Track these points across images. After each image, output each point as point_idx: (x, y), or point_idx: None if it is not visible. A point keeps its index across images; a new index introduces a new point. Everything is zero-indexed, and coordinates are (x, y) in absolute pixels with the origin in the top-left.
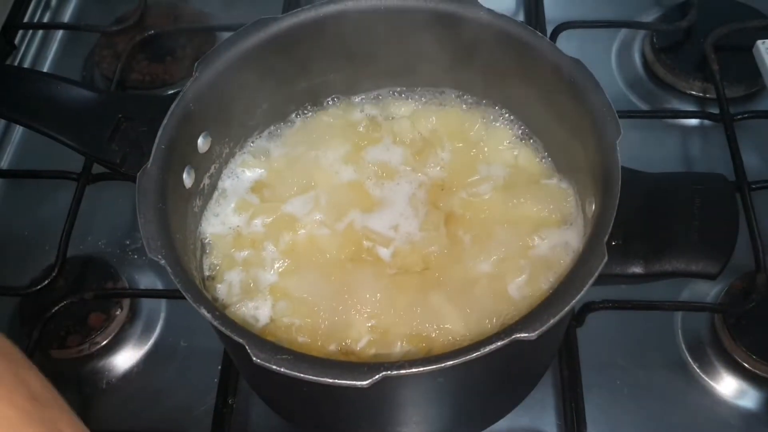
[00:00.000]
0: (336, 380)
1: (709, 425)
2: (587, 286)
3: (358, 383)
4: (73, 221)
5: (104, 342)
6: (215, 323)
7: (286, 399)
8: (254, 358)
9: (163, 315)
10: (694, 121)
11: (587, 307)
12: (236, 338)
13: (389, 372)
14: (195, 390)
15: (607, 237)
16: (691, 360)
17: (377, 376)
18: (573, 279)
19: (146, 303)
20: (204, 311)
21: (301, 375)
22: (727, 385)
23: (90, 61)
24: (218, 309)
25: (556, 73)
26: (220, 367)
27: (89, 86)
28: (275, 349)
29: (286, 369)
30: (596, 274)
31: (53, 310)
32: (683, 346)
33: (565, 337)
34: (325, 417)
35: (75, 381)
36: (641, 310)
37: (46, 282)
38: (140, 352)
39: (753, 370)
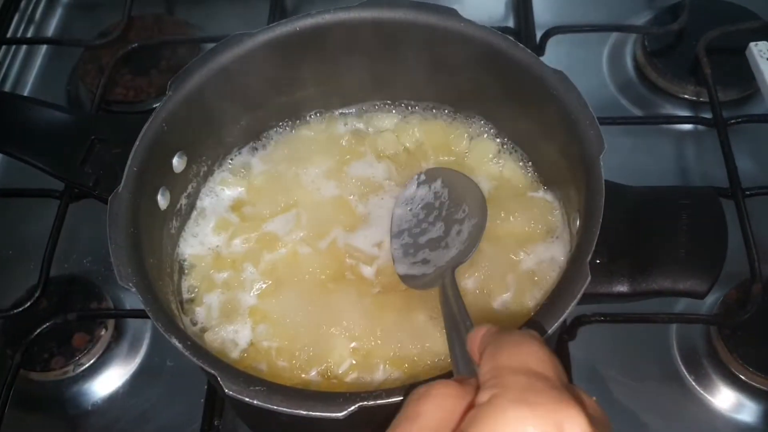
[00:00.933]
0: (311, 412)
1: None
2: (569, 309)
3: (334, 415)
4: (56, 240)
5: (89, 363)
6: (186, 353)
7: (266, 425)
8: (226, 390)
9: (148, 334)
10: (687, 126)
11: (579, 321)
12: (208, 369)
13: (366, 402)
14: (181, 410)
15: (590, 257)
16: (686, 373)
17: (353, 407)
18: (555, 301)
19: (131, 322)
20: (175, 341)
21: (275, 407)
22: (724, 398)
23: (74, 75)
24: (190, 338)
25: (539, 86)
26: (206, 387)
27: (63, 108)
28: (248, 380)
29: (260, 401)
30: (579, 296)
31: (36, 332)
32: (678, 358)
33: (557, 351)
34: None
35: (60, 403)
36: (634, 323)
37: (29, 303)
38: (126, 372)
39: (749, 382)
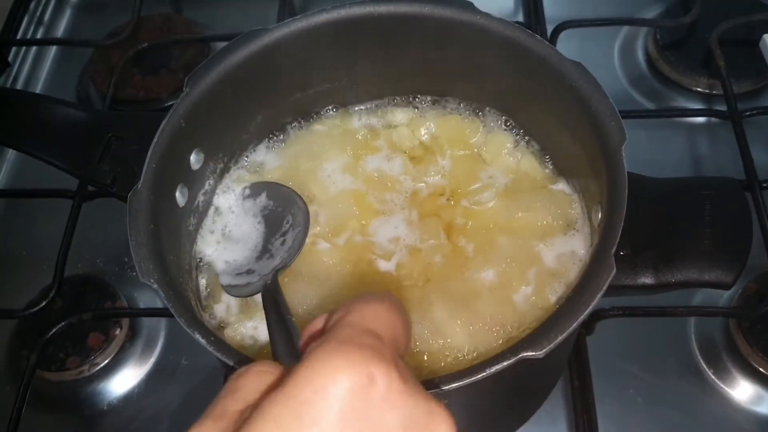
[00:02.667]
0: None
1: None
2: (595, 301)
3: None
4: (70, 240)
5: (104, 363)
6: (210, 348)
7: None
8: None
9: (163, 333)
10: (701, 119)
11: (597, 315)
12: (233, 364)
13: None
14: (198, 409)
15: (614, 248)
16: (705, 366)
17: None
18: (581, 293)
19: (146, 321)
20: (198, 336)
21: None
22: (744, 391)
23: (84, 76)
24: (213, 333)
25: (557, 77)
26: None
27: (78, 106)
28: None
29: None
30: (605, 288)
31: (51, 332)
32: (697, 352)
33: (575, 346)
34: None
35: (75, 403)
36: (653, 317)
37: (44, 303)
38: (141, 371)
39: None
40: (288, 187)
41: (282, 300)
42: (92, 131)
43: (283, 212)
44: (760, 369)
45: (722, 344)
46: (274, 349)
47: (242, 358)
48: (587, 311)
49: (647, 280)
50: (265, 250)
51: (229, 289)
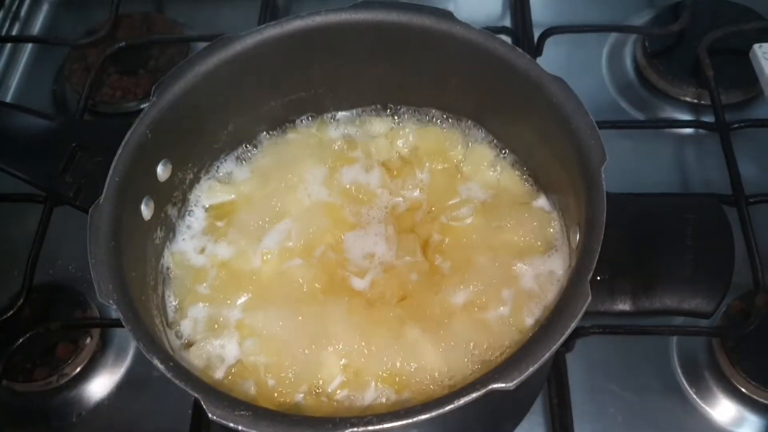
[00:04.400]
0: None
1: None
2: (570, 329)
3: None
4: (40, 246)
5: (73, 373)
6: (169, 375)
7: None
8: (210, 415)
9: (134, 343)
10: (688, 130)
11: (577, 332)
12: (191, 392)
13: (356, 429)
14: (169, 421)
15: (590, 275)
16: (687, 385)
17: None
18: (554, 322)
19: (117, 331)
20: (157, 362)
21: None
22: (725, 412)
23: (60, 75)
24: (172, 358)
25: (537, 92)
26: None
27: (42, 114)
28: (233, 404)
29: (245, 427)
30: (579, 316)
31: (19, 342)
32: (679, 371)
33: (554, 363)
34: None
35: (44, 415)
36: (634, 335)
37: (11, 312)
38: (112, 382)
39: (752, 396)
40: None
41: None
42: (56, 141)
43: None
44: (743, 389)
45: (705, 363)
46: None
47: (203, 386)
48: (561, 339)
49: (625, 306)
50: None
51: None
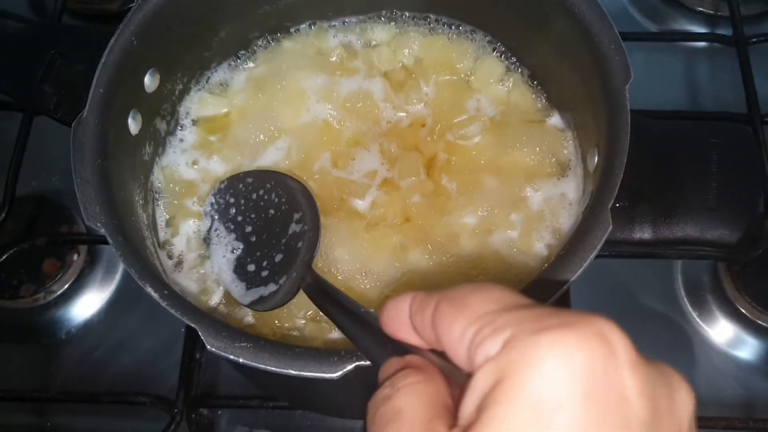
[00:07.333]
0: (302, 372)
1: (703, 373)
2: (588, 261)
3: (328, 375)
4: (21, 157)
5: (61, 290)
6: (164, 304)
7: (253, 373)
8: (208, 347)
9: None
10: (702, 44)
11: None
12: (188, 322)
13: (361, 363)
14: (161, 340)
15: (611, 202)
16: (690, 307)
17: (349, 367)
18: (573, 251)
19: (106, 247)
20: (150, 290)
21: (262, 366)
22: (725, 333)
23: None
24: (167, 286)
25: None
26: None
27: (17, 16)
28: (233, 335)
29: (246, 359)
30: (599, 247)
31: (3, 257)
32: (683, 293)
33: None
34: (297, 395)
35: (32, 332)
36: (639, 258)
37: None
38: (101, 299)
39: (754, 319)
40: (281, 174)
41: (335, 290)
42: (33, 47)
43: (287, 204)
44: (745, 312)
45: (709, 287)
46: (361, 345)
47: (200, 315)
48: (579, 271)
49: (644, 235)
50: (276, 252)
51: (254, 305)
